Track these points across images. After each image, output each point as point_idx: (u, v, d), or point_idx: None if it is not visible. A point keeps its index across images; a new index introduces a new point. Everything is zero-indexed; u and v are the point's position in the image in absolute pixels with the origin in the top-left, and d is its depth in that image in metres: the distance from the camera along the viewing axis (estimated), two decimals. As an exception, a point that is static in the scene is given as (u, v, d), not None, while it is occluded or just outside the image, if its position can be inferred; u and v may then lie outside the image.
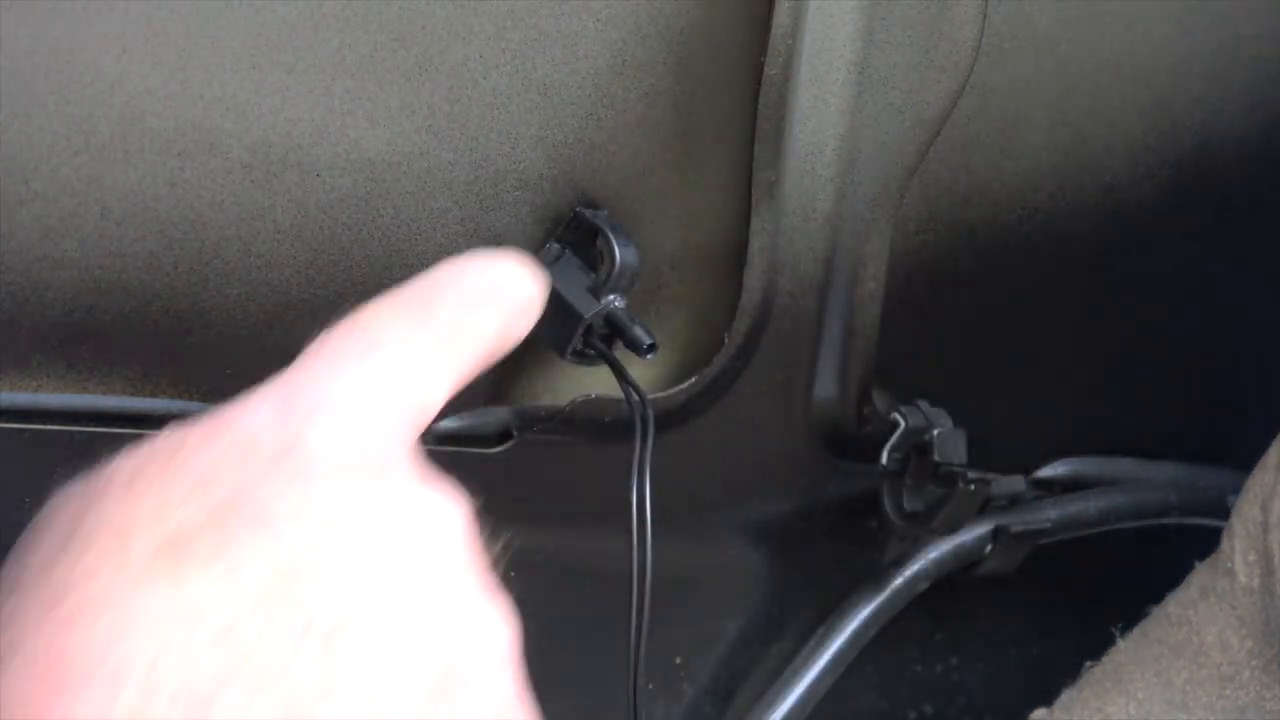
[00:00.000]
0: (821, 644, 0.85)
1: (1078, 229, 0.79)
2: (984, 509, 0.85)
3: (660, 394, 0.71)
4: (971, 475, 0.79)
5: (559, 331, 0.64)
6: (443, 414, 0.69)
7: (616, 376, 0.63)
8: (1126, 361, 0.86)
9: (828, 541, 0.85)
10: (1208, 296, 0.86)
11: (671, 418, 0.72)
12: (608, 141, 0.65)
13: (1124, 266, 0.82)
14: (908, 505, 0.80)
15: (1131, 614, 0.78)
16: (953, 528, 0.83)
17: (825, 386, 0.76)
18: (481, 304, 0.46)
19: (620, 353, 0.64)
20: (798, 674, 0.85)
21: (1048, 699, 0.80)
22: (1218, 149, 0.80)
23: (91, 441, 0.62)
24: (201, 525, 0.38)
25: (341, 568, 0.39)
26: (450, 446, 0.70)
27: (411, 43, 0.61)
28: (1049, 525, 0.86)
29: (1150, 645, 0.76)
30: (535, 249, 0.65)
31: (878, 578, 0.85)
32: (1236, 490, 0.75)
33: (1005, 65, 0.73)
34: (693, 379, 0.72)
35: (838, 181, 0.70)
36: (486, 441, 0.71)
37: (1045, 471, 0.87)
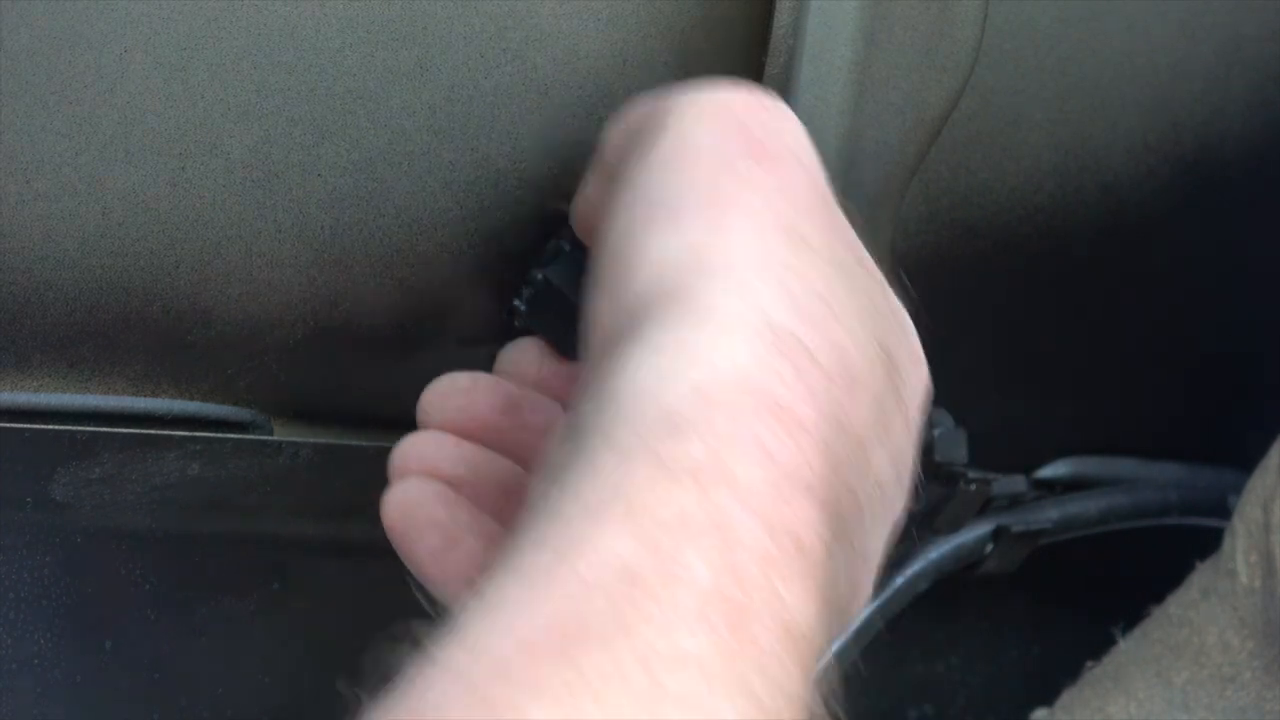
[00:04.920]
0: (822, 644, 0.85)
1: (1078, 229, 0.78)
2: (984, 509, 0.84)
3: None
4: (972, 475, 0.79)
5: (560, 329, 0.64)
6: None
7: (617, 376, 0.63)
8: (1126, 361, 0.86)
9: (828, 542, 0.85)
10: (1208, 296, 0.86)
11: (672, 417, 0.72)
12: (608, 141, 0.65)
13: (1124, 266, 0.82)
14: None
15: (1131, 614, 0.78)
16: (953, 527, 0.82)
17: (825, 386, 0.76)
18: None
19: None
20: (798, 674, 0.84)
21: (1048, 699, 0.80)
22: (1218, 149, 0.80)
23: (92, 441, 0.62)
24: None
25: None
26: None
27: (411, 43, 0.60)
28: (1049, 525, 0.86)
29: (1151, 645, 0.76)
30: (536, 248, 0.65)
31: (878, 578, 0.85)
32: (1237, 490, 0.75)
33: (1005, 65, 0.73)
34: (693, 378, 0.72)
35: (838, 181, 0.70)
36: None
37: (1045, 471, 0.87)
